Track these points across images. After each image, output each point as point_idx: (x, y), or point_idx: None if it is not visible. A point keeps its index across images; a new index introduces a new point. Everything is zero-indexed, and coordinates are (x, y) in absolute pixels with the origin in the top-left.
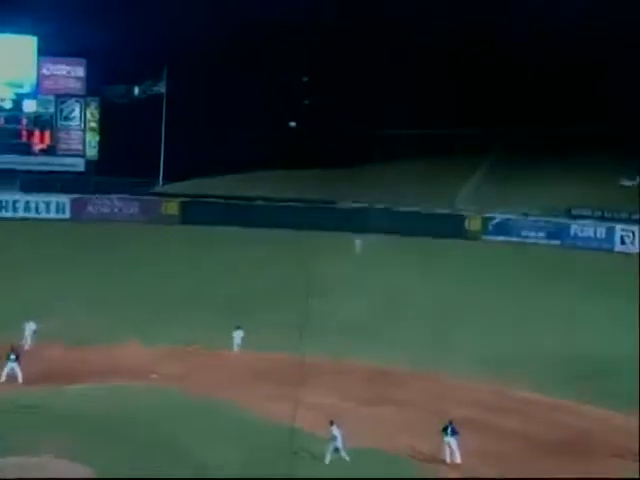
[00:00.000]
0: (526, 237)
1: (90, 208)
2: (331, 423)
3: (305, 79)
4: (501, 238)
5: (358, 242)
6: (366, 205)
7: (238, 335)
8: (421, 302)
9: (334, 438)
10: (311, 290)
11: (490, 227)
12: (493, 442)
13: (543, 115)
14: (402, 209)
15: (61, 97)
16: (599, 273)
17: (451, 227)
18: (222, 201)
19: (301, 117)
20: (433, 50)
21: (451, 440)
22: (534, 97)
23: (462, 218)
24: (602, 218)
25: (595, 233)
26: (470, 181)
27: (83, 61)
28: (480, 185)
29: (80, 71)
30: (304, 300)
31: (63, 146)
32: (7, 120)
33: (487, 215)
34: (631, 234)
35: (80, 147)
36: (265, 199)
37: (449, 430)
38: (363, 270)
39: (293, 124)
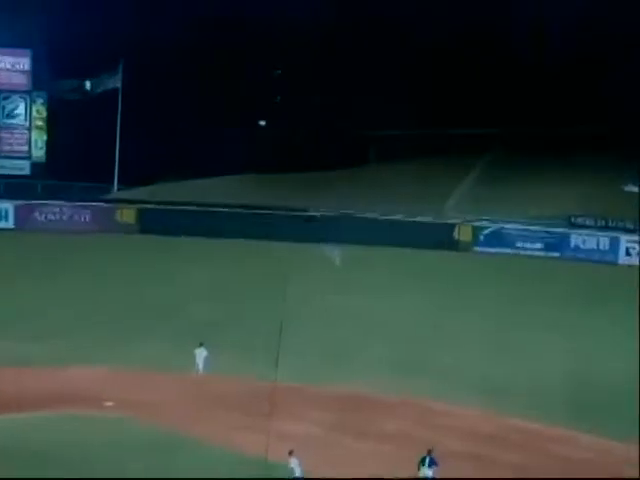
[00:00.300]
0: (521, 248)
1: (36, 215)
2: (290, 453)
3: (277, 72)
4: (494, 250)
5: (335, 255)
6: (344, 213)
7: (201, 354)
8: (402, 321)
9: (293, 470)
10: (283, 308)
11: (482, 237)
12: (483, 474)
13: (541, 115)
14: (383, 217)
15: (3, 92)
16: (600, 287)
17: (438, 237)
18: (185, 208)
19: (273, 115)
20: (428, 48)
21: (428, 473)
22: (532, 96)
23: (451, 227)
24: (605, 227)
25: (598, 244)
26: (461, 185)
27: (28, 52)
28: (472, 189)
29: (25, 63)
30: (275, 319)
31: (6, 147)
32: None
33: (478, 224)
34: (637, 245)
35: (25, 148)
36: (233, 206)
37: (427, 461)
38: (340, 286)
39: (262, 123)
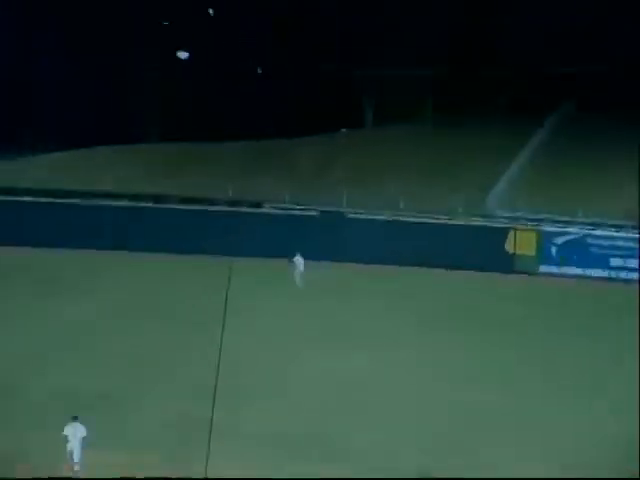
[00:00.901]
0: (620, 270)
1: None
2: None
3: None
4: (575, 271)
5: (298, 275)
6: (319, 210)
7: (75, 433)
8: (406, 385)
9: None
10: (216, 355)
11: (553, 250)
12: None
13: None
14: (382, 217)
15: None
16: None
17: (478, 249)
18: (35, 200)
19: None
20: None
21: None
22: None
23: (499, 233)
24: None
25: None
26: (513, 165)
27: None
28: (531, 171)
29: None
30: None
31: None
32: None
33: (548, 228)
34: None
35: None
36: (119, 197)
37: None
38: (309, 328)
39: (184, 55)
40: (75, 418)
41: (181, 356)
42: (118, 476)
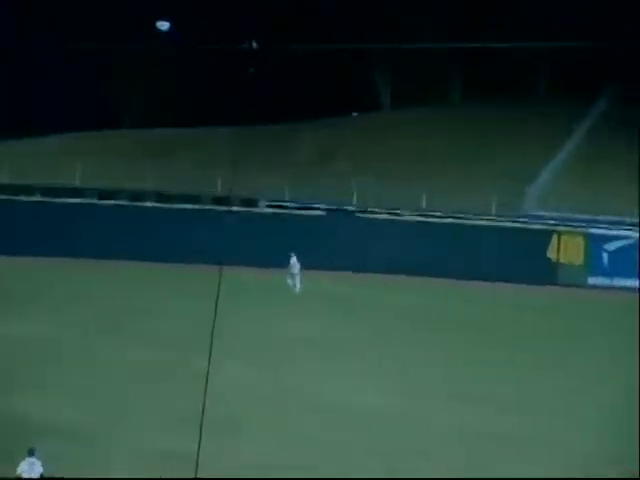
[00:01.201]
0: None
1: None
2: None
3: None
4: (631, 282)
5: (293, 278)
6: (325, 208)
7: (33, 469)
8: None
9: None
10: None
11: (605, 257)
12: None
13: None
14: (397, 216)
15: None
16: None
17: (516, 257)
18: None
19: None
20: None
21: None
22: None
23: (541, 237)
24: None
25: None
26: (555, 158)
27: None
28: (575, 166)
29: None
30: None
31: None
32: None
33: (597, 231)
34: None
35: None
36: (82, 193)
37: None
38: (311, 352)
39: (164, 26)
40: (31, 453)
41: (161, 383)
42: None
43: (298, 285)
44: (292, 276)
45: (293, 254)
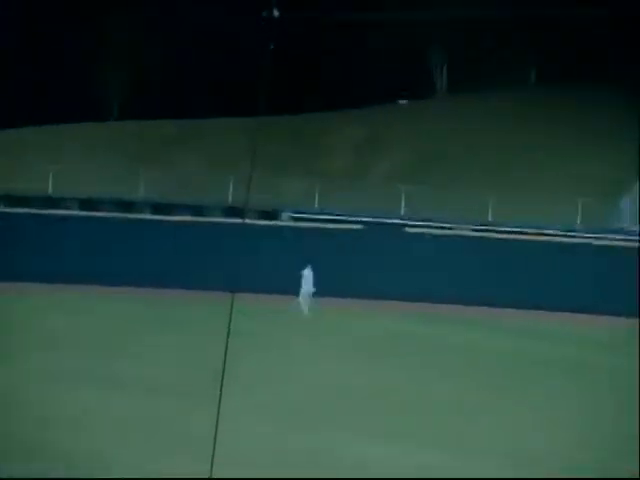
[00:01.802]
0: None
1: None
2: None
3: None
4: None
5: (304, 296)
6: (364, 221)
7: None
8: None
9: None
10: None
11: None
12: None
13: None
14: (460, 232)
15: None
16: None
17: (604, 282)
18: None
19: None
20: None
21: None
22: None
23: (635, 256)
24: None
25: None
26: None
27: None
28: None
29: None
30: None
31: None
32: None
33: None
34: None
35: None
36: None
37: None
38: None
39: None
40: None
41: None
42: None
43: (308, 295)
44: (304, 294)
45: (309, 266)
